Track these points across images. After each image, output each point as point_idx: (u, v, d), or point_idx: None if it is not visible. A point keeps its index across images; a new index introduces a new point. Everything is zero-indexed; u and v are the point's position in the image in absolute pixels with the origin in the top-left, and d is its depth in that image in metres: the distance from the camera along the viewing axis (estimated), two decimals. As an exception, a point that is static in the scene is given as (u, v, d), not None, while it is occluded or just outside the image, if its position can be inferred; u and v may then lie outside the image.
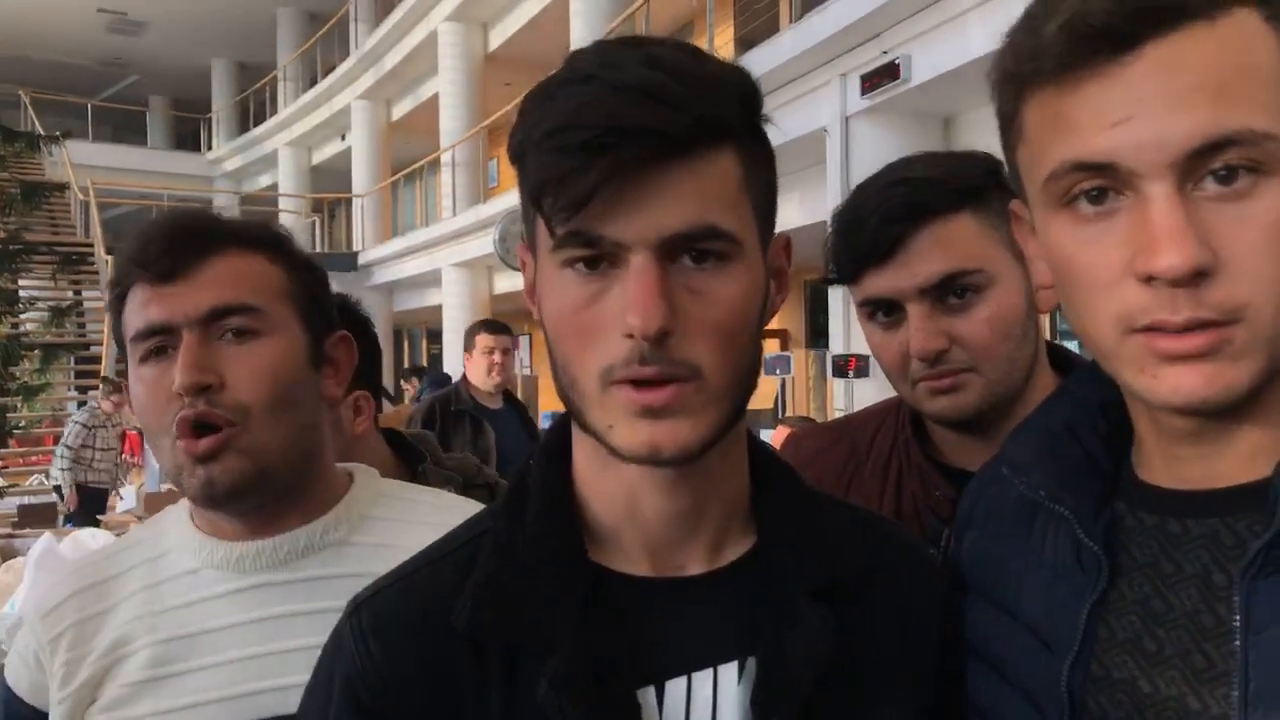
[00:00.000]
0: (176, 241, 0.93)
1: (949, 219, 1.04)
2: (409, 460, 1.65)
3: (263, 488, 0.93)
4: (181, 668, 0.93)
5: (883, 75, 6.53)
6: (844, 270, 1.11)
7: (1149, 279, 0.59)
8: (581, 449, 0.72)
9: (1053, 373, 1.13)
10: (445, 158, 14.21)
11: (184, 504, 1.02)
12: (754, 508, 0.74)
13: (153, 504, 6.05)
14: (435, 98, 14.72)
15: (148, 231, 0.96)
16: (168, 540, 0.99)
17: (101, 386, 8.43)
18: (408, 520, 1.00)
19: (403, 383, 9.34)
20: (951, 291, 1.04)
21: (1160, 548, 0.67)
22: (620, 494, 0.70)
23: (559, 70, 0.65)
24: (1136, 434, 0.72)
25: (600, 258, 0.63)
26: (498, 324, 4.00)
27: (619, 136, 0.60)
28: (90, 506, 7.22)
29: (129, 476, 8.46)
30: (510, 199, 12.23)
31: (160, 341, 0.92)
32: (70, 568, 1.00)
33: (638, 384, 0.63)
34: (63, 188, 10.93)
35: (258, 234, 0.99)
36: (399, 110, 17.11)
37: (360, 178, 17.25)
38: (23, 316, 9.89)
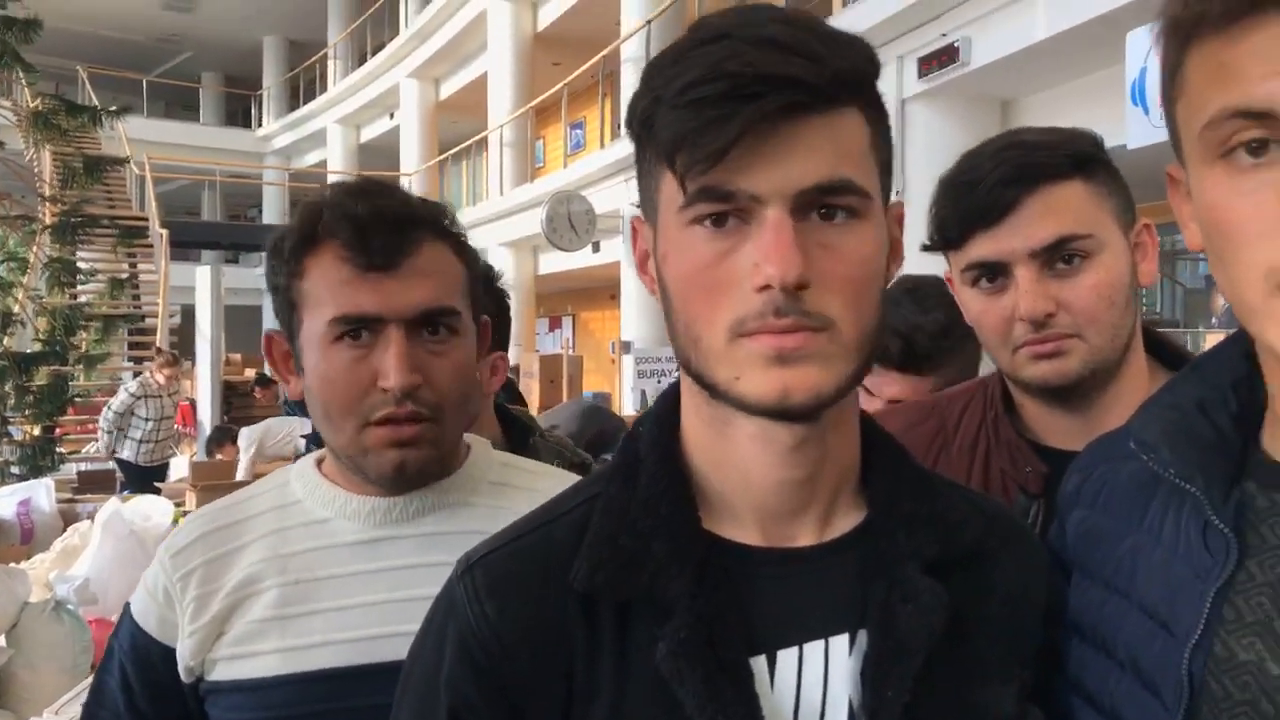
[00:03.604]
0: (391, 231, 0.94)
1: (1062, 184, 1.05)
2: (518, 433, 1.72)
3: (438, 470, 1.01)
4: (308, 608, 0.97)
5: (941, 57, 6.45)
6: (950, 234, 1.11)
7: None
8: (696, 416, 0.71)
9: (1146, 355, 1.13)
10: (493, 137, 14.24)
11: (307, 461, 1.07)
12: (864, 482, 0.74)
13: (199, 472, 6.15)
14: (483, 77, 14.76)
15: (349, 208, 0.94)
16: (295, 491, 1.04)
17: (156, 357, 8.54)
18: (520, 487, 1.06)
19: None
20: (1060, 256, 1.04)
21: None
22: (734, 462, 0.69)
23: (686, 35, 0.65)
24: (1270, 411, 0.71)
25: (728, 214, 0.63)
26: None
27: (762, 86, 0.59)
28: (150, 475, 7.32)
29: (180, 446, 8.59)
30: (556, 179, 12.26)
31: (361, 328, 0.94)
32: (196, 513, 1.05)
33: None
34: (123, 162, 11.11)
35: (443, 223, 1.01)
36: (447, 89, 17.17)
37: (409, 156, 17.35)
38: (80, 288, 10.10)
